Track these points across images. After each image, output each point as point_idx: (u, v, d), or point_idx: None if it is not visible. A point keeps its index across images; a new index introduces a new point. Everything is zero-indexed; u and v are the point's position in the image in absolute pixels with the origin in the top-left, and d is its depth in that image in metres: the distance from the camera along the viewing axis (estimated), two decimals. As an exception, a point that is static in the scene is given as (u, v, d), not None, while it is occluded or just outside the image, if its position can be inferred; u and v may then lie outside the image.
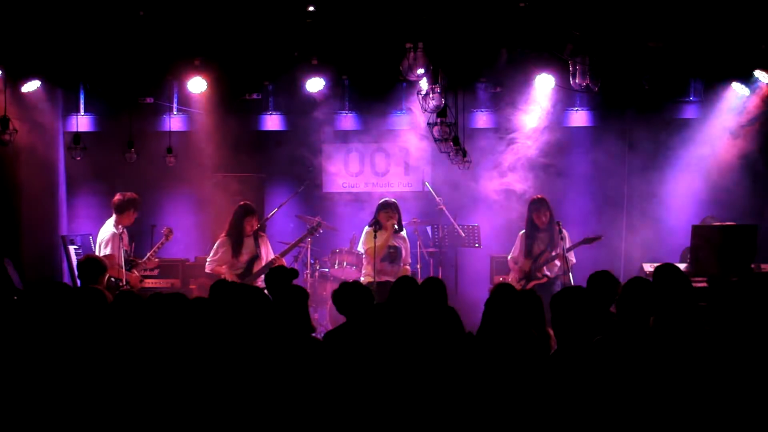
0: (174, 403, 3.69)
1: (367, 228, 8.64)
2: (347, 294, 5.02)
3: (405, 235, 8.72)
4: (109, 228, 8.22)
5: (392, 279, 8.09)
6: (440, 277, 9.37)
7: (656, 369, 3.70)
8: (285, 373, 3.90)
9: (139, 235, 9.10)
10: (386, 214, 8.40)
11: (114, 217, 8.33)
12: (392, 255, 8.44)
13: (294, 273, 5.68)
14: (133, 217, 8.45)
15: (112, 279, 7.78)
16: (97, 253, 8.17)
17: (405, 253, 8.59)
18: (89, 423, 3.73)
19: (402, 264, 8.54)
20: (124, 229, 8.36)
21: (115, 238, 8.08)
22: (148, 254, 8.53)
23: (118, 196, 8.40)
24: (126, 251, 8.37)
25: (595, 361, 3.70)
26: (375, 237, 8.27)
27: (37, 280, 9.49)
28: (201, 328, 4.08)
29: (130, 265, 8.35)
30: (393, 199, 8.69)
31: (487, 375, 3.73)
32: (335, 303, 5.08)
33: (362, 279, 8.46)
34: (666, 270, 5.09)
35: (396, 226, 8.49)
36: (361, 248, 8.77)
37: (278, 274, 5.62)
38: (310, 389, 3.84)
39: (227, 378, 3.80)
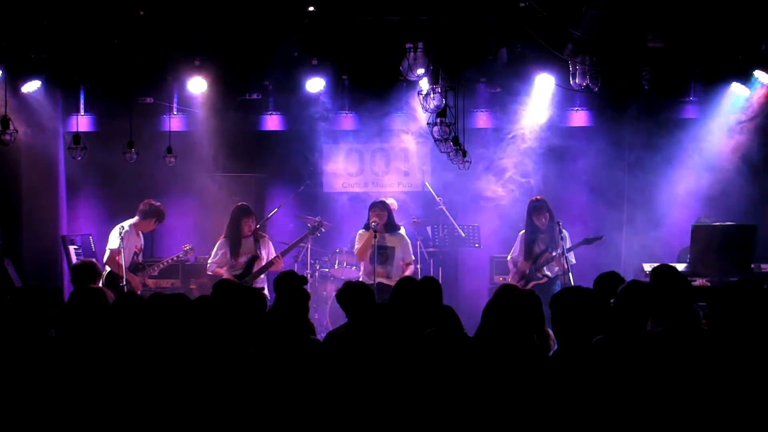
0: (174, 404, 3.70)
1: (360, 230, 8.62)
2: (350, 293, 5.02)
3: (404, 234, 8.45)
4: (119, 227, 8.26)
5: (383, 280, 7.99)
6: (440, 276, 9.40)
7: (655, 370, 3.71)
8: (285, 373, 3.91)
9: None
10: (373, 213, 8.25)
11: (135, 219, 8.42)
12: (381, 256, 8.14)
13: (303, 280, 5.63)
14: (153, 226, 8.63)
15: (120, 283, 7.85)
16: (108, 246, 8.29)
17: (402, 252, 8.26)
18: (89, 423, 3.73)
19: (402, 263, 8.26)
20: (139, 233, 8.45)
21: (125, 236, 8.11)
22: (162, 261, 8.66)
23: (145, 203, 8.52)
24: (136, 254, 8.42)
25: (594, 362, 3.70)
26: (374, 237, 8.21)
27: (35, 282, 9.49)
28: (201, 329, 4.08)
29: (136, 268, 8.39)
30: (381, 199, 8.54)
31: (487, 376, 3.73)
32: (339, 301, 5.09)
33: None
34: (664, 271, 5.08)
35: (374, 225, 8.16)
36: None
37: (288, 280, 5.58)
38: (310, 390, 3.84)
39: (227, 378, 3.80)
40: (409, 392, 3.72)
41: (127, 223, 8.32)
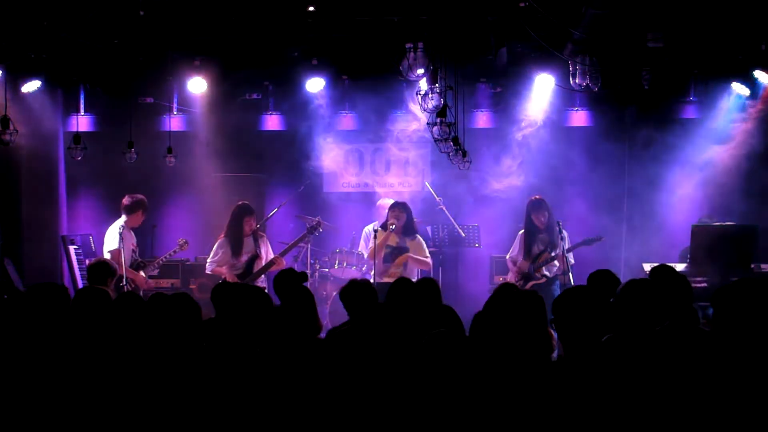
0: (177, 404, 3.70)
1: (366, 228, 8.59)
2: (354, 292, 5.02)
3: (420, 239, 8.46)
4: (116, 227, 8.22)
5: (391, 281, 7.97)
6: (440, 276, 9.41)
7: (657, 370, 3.71)
8: (289, 373, 3.91)
9: (140, 236, 9.10)
10: (392, 214, 8.31)
11: (123, 217, 8.33)
12: (394, 256, 8.29)
13: (304, 277, 5.63)
14: (142, 218, 8.51)
15: (121, 282, 7.82)
16: (106, 248, 8.24)
17: (414, 252, 8.31)
18: (90, 424, 3.73)
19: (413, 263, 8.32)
20: (131, 231, 8.40)
21: (121, 237, 8.06)
22: (159, 259, 8.64)
23: (127, 198, 8.42)
24: (134, 251, 8.40)
25: (602, 363, 3.69)
26: (375, 237, 8.24)
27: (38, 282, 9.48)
28: (204, 329, 4.08)
29: (138, 266, 8.37)
30: (403, 201, 8.57)
31: (488, 376, 3.73)
32: (342, 299, 5.08)
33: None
34: (662, 271, 5.08)
35: (392, 227, 8.26)
36: (362, 250, 8.75)
37: (288, 278, 5.58)
38: (313, 389, 3.84)
39: (230, 379, 3.80)
40: (410, 392, 3.73)
41: (119, 223, 8.25)
